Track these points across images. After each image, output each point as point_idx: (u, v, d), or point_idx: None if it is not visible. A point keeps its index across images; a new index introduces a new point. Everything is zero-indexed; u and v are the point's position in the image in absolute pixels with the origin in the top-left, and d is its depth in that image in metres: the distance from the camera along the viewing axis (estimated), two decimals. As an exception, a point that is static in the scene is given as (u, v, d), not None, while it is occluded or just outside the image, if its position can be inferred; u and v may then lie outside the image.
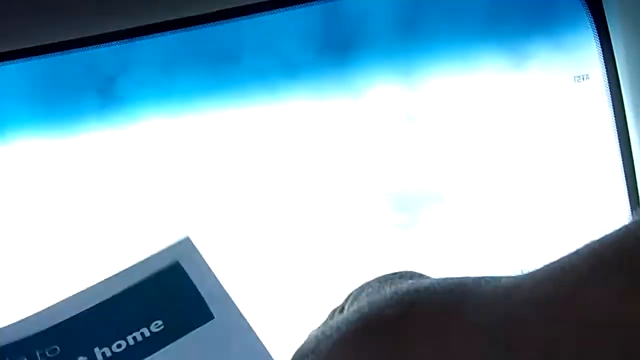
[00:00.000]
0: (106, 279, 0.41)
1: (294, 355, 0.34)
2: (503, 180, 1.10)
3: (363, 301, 0.34)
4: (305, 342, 0.34)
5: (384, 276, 0.40)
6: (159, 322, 0.40)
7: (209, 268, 0.42)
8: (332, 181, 1.12)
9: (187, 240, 0.43)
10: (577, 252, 0.30)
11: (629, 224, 0.29)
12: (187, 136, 1.13)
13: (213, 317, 0.40)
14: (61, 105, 1.11)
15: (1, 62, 0.92)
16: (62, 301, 0.40)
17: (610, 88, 0.90)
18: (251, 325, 0.38)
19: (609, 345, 0.25)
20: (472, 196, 1.10)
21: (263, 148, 1.13)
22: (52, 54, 0.91)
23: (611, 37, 0.89)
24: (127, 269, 0.42)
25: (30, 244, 1.12)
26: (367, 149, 1.12)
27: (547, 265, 0.31)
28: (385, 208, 1.11)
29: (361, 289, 0.40)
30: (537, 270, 0.31)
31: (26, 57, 0.90)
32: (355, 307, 0.34)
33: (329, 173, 1.12)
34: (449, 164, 1.12)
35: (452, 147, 1.12)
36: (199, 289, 0.41)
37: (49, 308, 0.39)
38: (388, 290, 0.32)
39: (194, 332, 0.39)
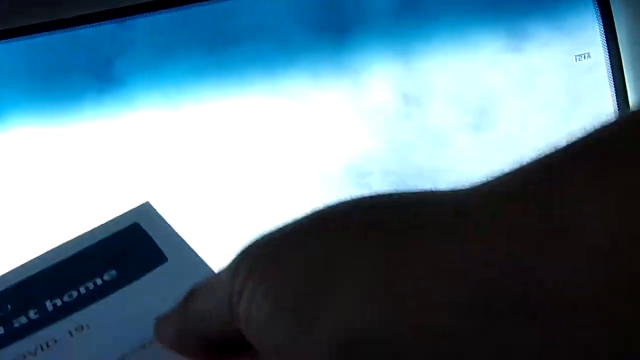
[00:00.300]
0: (63, 243, 0.41)
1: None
2: (503, 161, 1.09)
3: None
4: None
5: None
6: (113, 272, 0.40)
7: (167, 224, 0.42)
8: (323, 163, 1.12)
9: (147, 205, 0.43)
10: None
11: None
12: (184, 123, 1.12)
13: (167, 260, 0.40)
14: (57, 88, 1.10)
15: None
16: (18, 266, 0.40)
17: (611, 67, 0.90)
18: (207, 263, 0.38)
19: None
20: (470, 177, 1.10)
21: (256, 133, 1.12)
22: (46, 32, 0.90)
23: (613, 14, 0.88)
24: (85, 233, 0.42)
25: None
26: (364, 131, 1.12)
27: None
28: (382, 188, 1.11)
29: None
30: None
31: (19, 36, 0.89)
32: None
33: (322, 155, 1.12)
34: (447, 146, 1.11)
35: (452, 129, 1.11)
36: (155, 240, 0.41)
37: (4, 273, 0.40)
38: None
39: (146, 275, 0.39)
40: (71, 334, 0.37)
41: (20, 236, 1.11)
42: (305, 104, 1.11)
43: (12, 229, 1.11)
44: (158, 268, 0.40)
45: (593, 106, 1.03)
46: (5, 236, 1.10)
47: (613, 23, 0.87)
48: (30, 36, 0.96)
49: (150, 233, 0.41)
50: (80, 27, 0.93)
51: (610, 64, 0.89)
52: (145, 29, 1.08)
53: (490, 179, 0.29)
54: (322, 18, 1.10)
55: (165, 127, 1.12)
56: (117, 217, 0.43)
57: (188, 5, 0.92)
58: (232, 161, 1.13)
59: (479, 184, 0.29)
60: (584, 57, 0.96)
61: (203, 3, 0.92)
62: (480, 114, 1.11)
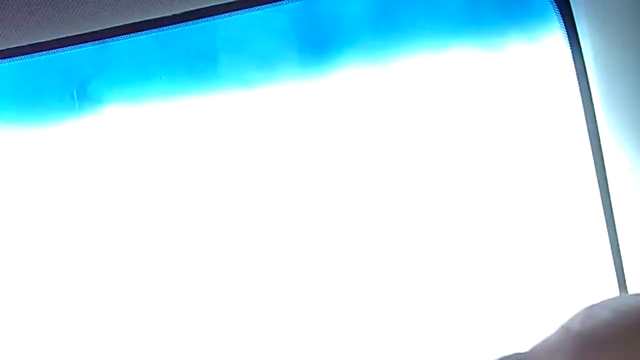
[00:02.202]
0: None
1: None
2: (479, 171, 1.11)
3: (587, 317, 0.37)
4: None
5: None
6: None
7: None
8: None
9: None
10: None
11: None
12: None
13: None
14: (36, 109, 1.10)
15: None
16: None
17: (579, 82, 0.93)
18: None
19: None
20: (449, 186, 1.12)
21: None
22: (26, 55, 0.90)
23: (579, 33, 0.91)
24: None
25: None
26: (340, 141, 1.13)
27: None
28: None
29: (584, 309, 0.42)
30: None
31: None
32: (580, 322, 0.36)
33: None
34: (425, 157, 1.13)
35: (429, 141, 1.13)
36: None
37: None
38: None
39: None
40: None
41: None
42: (285, 118, 1.13)
43: None
44: None
45: (563, 118, 1.06)
46: None
47: (578, 38, 0.90)
48: (9, 59, 0.96)
49: None
50: (58, 49, 0.94)
51: (577, 77, 0.92)
52: (123, 51, 1.08)
53: None
54: (300, 34, 1.11)
55: (146, 145, 1.13)
56: None
57: (166, 28, 0.93)
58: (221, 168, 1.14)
59: None
60: (552, 74, 0.99)
61: (180, 25, 0.94)
62: (451, 124, 1.13)
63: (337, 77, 1.12)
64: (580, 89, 0.93)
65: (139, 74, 1.09)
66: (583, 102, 0.93)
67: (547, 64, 1.00)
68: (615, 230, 0.94)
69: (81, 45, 0.92)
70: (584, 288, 1.06)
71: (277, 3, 1.01)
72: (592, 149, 0.93)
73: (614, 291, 1.00)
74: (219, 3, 0.92)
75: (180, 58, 1.09)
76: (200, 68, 1.09)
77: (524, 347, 0.46)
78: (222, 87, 1.11)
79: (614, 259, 0.96)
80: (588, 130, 0.93)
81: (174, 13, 0.89)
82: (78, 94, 1.07)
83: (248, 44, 1.10)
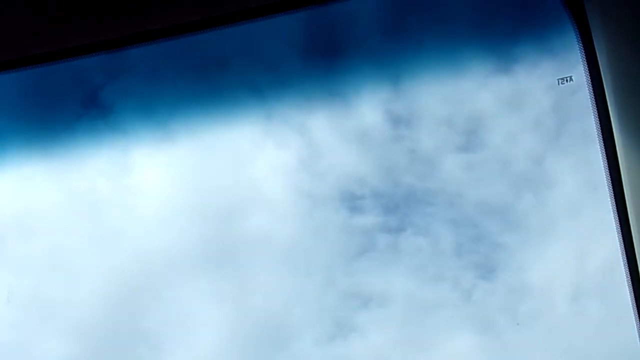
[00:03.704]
0: None
1: None
2: (492, 178, 1.10)
3: None
4: None
5: None
6: None
7: None
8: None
9: None
10: None
11: None
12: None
13: None
14: (48, 118, 1.11)
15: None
16: None
17: (593, 88, 0.92)
18: None
19: None
20: (460, 198, 1.11)
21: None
22: (37, 65, 0.91)
23: (594, 39, 0.90)
24: None
25: None
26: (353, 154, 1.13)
27: None
28: (374, 209, 1.12)
29: None
30: None
31: (10, 68, 0.90)
32: None
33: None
34: (436, 167, 1.12)
35: (441, 151, 1.12)
36: None
37: None
38: None
39: None
40: None
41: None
42: (295, 129, 1.13)
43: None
44: None
45: (578, 126, 1.05)
46: None
47: (593, 46, 0.90)
48: (21, 68, 0.97)
49: None
50: (72, 58, 0.94)
51: (592, 85, 0.92)
52: (136, 59, 1.09)
53: None
54: (311, 44, 1.12)
55: (157, 154, 1.13)
56: None
57: (178, 37, 0.93)
58: (222, 187, 1.14)
59: None
60: (567, 81, 0.99)
61: (192, 34, 0.94)
62: (469, 135, 1.13)
63: (352, 93, 1.12)
64: (595, 98, 0.92)
65: (151, 82, 1.10)
66: (597, 107, 0.92)
67: (562, 74, 1.00)
68: (631, 236, 0.92)
69: (93, 54, 0.92)
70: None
71: (289, 12, 1.01)
72: (605, 156, 0.92)
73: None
74: (229, 11, 0.92)
75: (193, 66, 1.10)
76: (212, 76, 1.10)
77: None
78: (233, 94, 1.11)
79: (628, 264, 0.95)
80: (602, 135, 0.92)
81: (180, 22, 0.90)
82: (89, 102, 1.07)
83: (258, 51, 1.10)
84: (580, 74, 0.95)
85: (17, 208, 1.13)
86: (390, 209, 1.12)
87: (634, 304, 0.97)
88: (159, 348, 1.14)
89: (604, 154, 0.94)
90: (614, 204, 0.94)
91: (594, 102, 0.93)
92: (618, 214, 0.95)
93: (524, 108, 1.09)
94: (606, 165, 0.95)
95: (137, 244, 1.14)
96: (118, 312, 1.15)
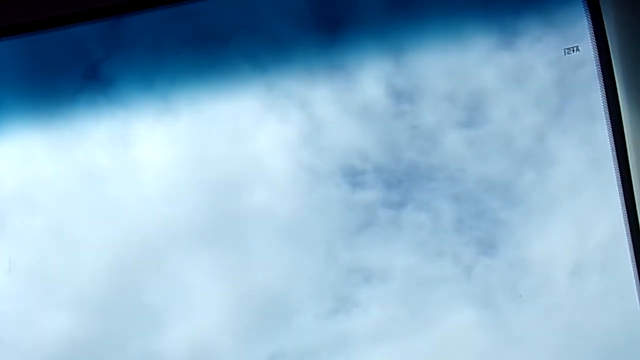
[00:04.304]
0: None
1: None
2: (495, 157, 1.10)
3: None
4: None
5: None
6: None
7: None
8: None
9: None
10: None
11: None
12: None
13: None
14: (46, 87, 1.10)
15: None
16: None
17: (600, 60, 0.90)
18: None
19: None
20: (462, 174, 1.10)
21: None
22: (35, 31, 0.90)
23: (601, 8, 0.89)
24: None
25: None
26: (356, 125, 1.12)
27: None
28: (375, 185, 1.12)
29: None
30: None
31: (7, 35, 0.89)
32: None
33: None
34: (439, 143, 1.12)
35: (444, 126, 1.11)
36: None
37: None
38: None
39: None
40: None
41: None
42: (297, 102, 1.12)
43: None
44: None
45: (583, 99, 1.04)
46: None
47: (601, 17, 0.88)
48: (19, 35, 0.96)
49: None
50: (69, 25, 0.93)
51: (599, 56, 0.90)
52: (134, 28, 1.08)
53: None
54: (312, 16, 1.10)
55: (158, 127, 1.12)
56: None
57: (177, 3, 0.92)
58: (224, 161, 1.13)
59: None
60: (573, 51, 0.97)
61: (192, 1, 0.92)
62: (471, 111, 1.12)
63: (350, 67, 1.11)
64: (602, 70, 0.91)
65: (152, 53, 1.09)
66: (605, 84, 0.91)
67: (568, 44, 0.98)
68: (636, 213, 0.92)
69: (93, 21, 0.91)
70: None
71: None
72: (611, 125, 0.91)
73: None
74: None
75: (194, 36, 1.08)
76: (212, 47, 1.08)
77: None
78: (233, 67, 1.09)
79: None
80: (608, 107, 0.91)
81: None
82: (88, 73, 1.06)
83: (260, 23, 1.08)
84: (586, 47, 0.93)
85: (17, 181, 1.13)
86: (392, 184, 1.12)
87: (637, 281, 0.97)
88: (159, 321, 1.15)
89: (610, 128, 0.93)
90: (620, 180, 0.93)
91: (601, 76, 0.92)
92: (624, 191, 0.94)
93: (528, 82, 1.07)
94: (612, 140, 0.94)
95: (138, 218, 1.13)
96: (119, 286, 1.15)
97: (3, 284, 1.11)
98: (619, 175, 0.92)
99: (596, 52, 0.91)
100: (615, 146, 0.93)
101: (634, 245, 0.92)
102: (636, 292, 0.96)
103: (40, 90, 1.10)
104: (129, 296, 1.16)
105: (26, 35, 0.93)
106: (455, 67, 1.10)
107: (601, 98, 0.92)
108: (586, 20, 0.92)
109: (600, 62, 0.92)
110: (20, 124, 1.10)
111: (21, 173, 1.12)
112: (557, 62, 1.03)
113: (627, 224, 0.93)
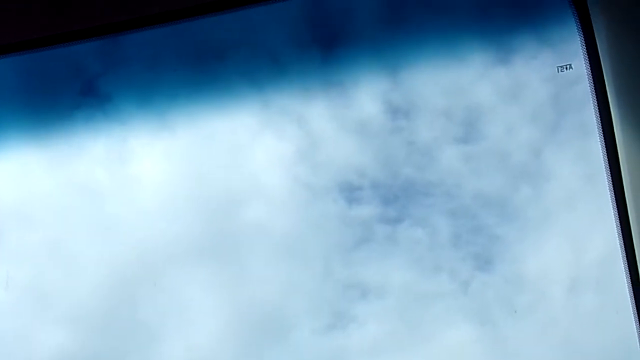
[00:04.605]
0: None
1: None
2: (491, 172, 1.10)
3: None
4: None
5: None
6: None
7: None
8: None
9: None
10: None
11: None
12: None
13: None
14: (44, 104, 1.11)
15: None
16: None
17: (593, 77, 0.91)
18: None
19: None
20: (459, 189, 1.11)
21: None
22: (34, 50, 0.90)
23: (594, 26, 0.90)
24: None
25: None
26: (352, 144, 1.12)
27: None
28: (372, 200, 1.12)
29: None
30: None
31: (7, 53, 0.90)
32: None
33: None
34: (435, 158, 1.12)
35: (440, 142, 1.12)
36: None
37: None
38: None
39: None
40: None
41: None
42: (294, 119, 1.12)
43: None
44: None
45: (578, 115, 1.05)
46: None
47: (594, 35, 0.89)
48: (16, 52, 0.96)
49: None
50: (67, 44, 0.94)
51: (592, 74, 0.91)
52: (132, 45, 1.09)
53: None
54: (309, 33, 1.11)
55: (155, 143, 1.13)
56: None
57: (175, 22, 0.92)
58: (221, 177, 1.14)
59: None
60: (566, 69, 0.98)
61: (190, 19, 0.93)
62: (468, 127, 1.13)
63: (347, 84, 1.12)
64: (595, 87, 0.92)
65: (149, 70, 1.10)
66: (597, 101, 0.92)
67: (561, 62, 0.99)
68: (630, 230, 0.92)
69: (90, 39, 0.92)
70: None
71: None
72: (604, 143, 0.92)
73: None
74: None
75: (191, 52, 1.09)
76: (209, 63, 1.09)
77: None
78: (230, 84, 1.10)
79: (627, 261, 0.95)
80: (602, 126, 0.92)
81: (185, 7, 0.89)
82: (86, 90, 1.07)
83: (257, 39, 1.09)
84: (580, 64, 0.94)
85: (15, 197, 1.13)
86: (389, 200, 1.12)
87: (632, 297, 0.98)
88: (156, 337, 1.15)
89: (604, 145, 0.94)
90: (613, 196, 0.94)
91: (594, 93, 0.93)
92: (617, 206, 0.95)
93: (523, 99, 1.08)
94: (606, 157, 0.95)
95: (135, 233, 1.13)
96: (116, 301, 1.15)
97: (0, 300, 1.11)
98: (612, 190, 0.93)
99: (589, 69, 0.92)
100: (609, 161, 0.94)
101: (627, 261, 0.92)
102: (630, 307, 0.97)
103: (37, 106, 1.11)
104: (126, 311, 1.15)
105: (24, 52, 0.93)
106: (451, 84, 1.10)
107: (594, 114, 0.93)
108: (579, 38, 0.93)
109: (593, 79, 0.93)
110: (17, 140, 1.11)
111: (19, 189, 1.12)
112: (551, 79, 1.04)
113: (621, 239, 0.93)
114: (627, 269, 0.94)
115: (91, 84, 1.10)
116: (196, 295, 1.15)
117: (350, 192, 1.13)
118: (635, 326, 0.97)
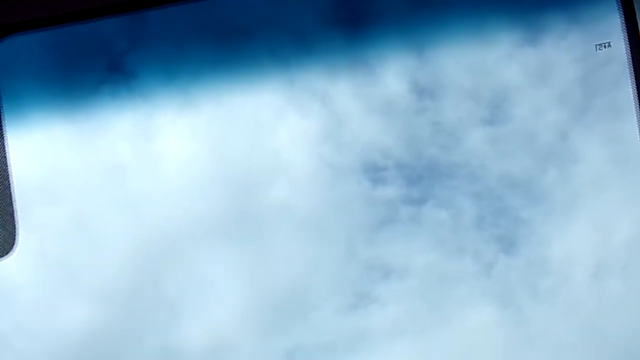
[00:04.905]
0: None
1: None
2: (517, 155, 1.09)
3: None
4: None
5: None
6: None
7: None
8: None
9: None
10: None
11: None
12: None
13: None
14: (70, 80, 1.11)
15: (11, 34, 0.91)
16: None
17: (632, 56, 0.89)
18: None
19: None
20: (485, 171, 1.10)
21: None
22: (61, 25, 0.90)
23: (634, 3, 0.87)
24: None
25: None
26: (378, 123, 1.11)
27: None
28: (396, 181, 1.11)
29: None
30: None
31: (36, 28, 0.89)
32: None
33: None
34: (461, 140, 1.11)
35: (466, 123, 1.11)
36: None
37: None
38: None
39: None
40: None
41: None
42: (319, 97, 1.11)
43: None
44: None
45: (612, 96, 1.03)
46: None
47: (634, 12, 0.87)
48: (43, 28, 0.96)
49: None
50: (93, 19, 0.93)
51: (631, 55, 0.89)
52: (157, 21, 1.08)
53: None
54: (336, 11, 1.10)
55: (180, 120, 1.12)
56: None
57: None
58: (245, 155, 1.13)
59: None
60: (605, 47, 0.96)
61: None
62: (494, 108, 1.11)
63: (373, 63, 1.11)
64: (633, 66, 0.90)
65: (174, 47, 1.09)
66: (636, 81, 0.90)
67: (599, 40, 0.97)
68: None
69: (116, 15, 0.91)
70: None
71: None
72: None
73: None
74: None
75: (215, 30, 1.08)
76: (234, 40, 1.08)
77: None
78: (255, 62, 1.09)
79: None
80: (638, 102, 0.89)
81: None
82: (112, 66, 1.07)
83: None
84: (618, 43, 0.92)
85: (40, 172, 1.14)
86: (413, 180, 1.11)
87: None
88: (178, 314, 1.15)
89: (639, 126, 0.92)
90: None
91: (632, 72, 0.91)
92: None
93: (553, 79, 1.06)
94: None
95: (158, 211, 1.14)
96: (139, 278, 1.16)
97: (27, 274, 1.12)
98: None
99: (628, 48, 0.89)
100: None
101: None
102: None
103: (63, 82, 1.11)
104: (148, 289, 1.16)
105: (50, 28, 0.93)
106: (478, 63, 1.09)
107: (632, 95, 0.91)
108: (619, 16, 0.90)
109: (631, 59, 0.90)
110: (43, 115, 1.11)
111: (45, 164, 1.13)
112: (588, 58, 1.02)
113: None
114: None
115: (117, 60, 1.10)
116: (219, 274, 1.15)
117: (374, 172, 1.12)
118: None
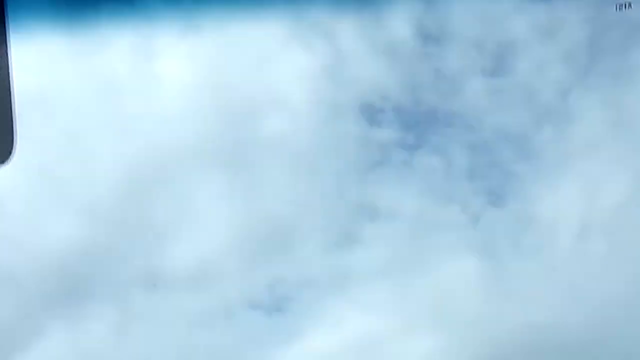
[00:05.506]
0: None
1: None
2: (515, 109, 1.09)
3: None
4: None
5: None
6: None
7: None
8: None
9: None
10: None
11: None
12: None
13: None
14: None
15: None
16: None
17: None
18: None
19: None
20: (481, 123, 1.10)
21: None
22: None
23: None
24: None
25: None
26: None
27: None
28: (392, 124, 1.11)
29: None
30: None
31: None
32: None
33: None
34: (461, 89, 1.10)
35: (468, 73, 1.10)
36: None
37: None
38: None
39: None
40: None
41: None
42: (323, 34, 1.10)
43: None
44: None
45: (621, 60, 1.02)
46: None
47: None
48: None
49: None
50: None
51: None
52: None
53: None
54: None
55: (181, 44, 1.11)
56: None
57: None
58: (244, 85, 1.13)
59: None
60: (625, 7, 0.93)
61: None
62: (498, 60, 1.10)
63: (381, 4, 1.09)
64: None
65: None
66: None
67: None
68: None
69: None
70: None
71: None
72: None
73: None
74: None
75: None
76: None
77: None
78: None
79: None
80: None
81: None
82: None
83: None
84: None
85: (37, 83, 1.13)
86: (409, 125, 1.11)
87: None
88: (166, 237, 1.16)
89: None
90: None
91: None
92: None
93: (561, 36, 1.05)
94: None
95: (153, 133, 1.14)
96: (129, 199, 1.16)
97: (16, 184, 1.13)
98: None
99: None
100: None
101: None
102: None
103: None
104: (138, 210, 1.17)
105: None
106: (487, 14, 1.07)
107: None
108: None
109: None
110: (43, 27, 1.09)
111: (42, 76, 1.12)
112: (605, 17, 1.00)
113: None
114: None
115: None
116: (209, 201, 1.16)
117: (371, 114, 1.12)
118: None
